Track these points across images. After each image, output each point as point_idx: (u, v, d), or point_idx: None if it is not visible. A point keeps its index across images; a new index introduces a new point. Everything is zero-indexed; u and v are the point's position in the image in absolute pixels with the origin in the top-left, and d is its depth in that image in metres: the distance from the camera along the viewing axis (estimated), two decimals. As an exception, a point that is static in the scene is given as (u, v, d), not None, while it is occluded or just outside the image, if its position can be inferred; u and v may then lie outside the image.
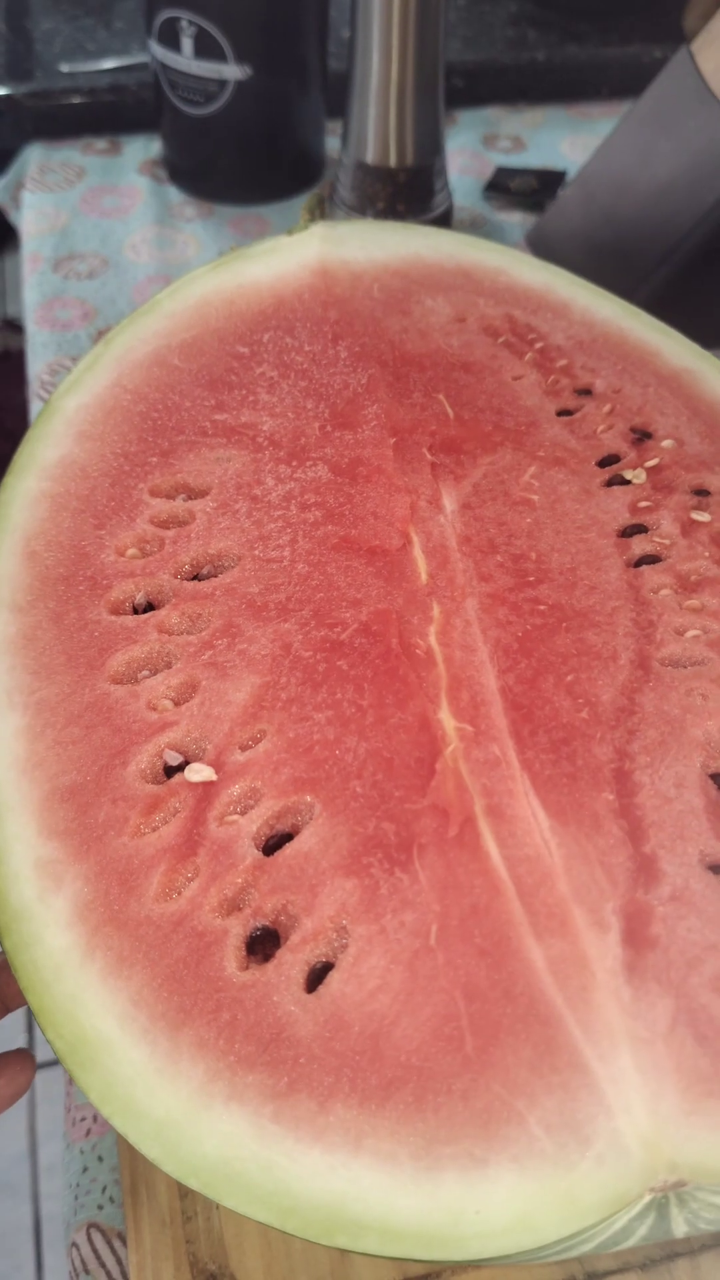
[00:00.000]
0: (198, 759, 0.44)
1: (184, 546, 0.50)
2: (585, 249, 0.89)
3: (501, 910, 0.38)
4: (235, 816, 0.42)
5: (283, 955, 0.39)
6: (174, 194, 1.10)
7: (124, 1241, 0.52)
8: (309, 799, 0.42)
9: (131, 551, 0.51)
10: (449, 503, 0.50)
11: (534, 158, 1.16)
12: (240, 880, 0.41)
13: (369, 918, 0.39)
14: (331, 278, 0.60)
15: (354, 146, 0.92)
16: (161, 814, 0.43)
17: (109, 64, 1.16)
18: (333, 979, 0.38)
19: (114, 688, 0.46)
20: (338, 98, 0.93)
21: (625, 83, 1.24)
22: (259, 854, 0.41)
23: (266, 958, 0.40)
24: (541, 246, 0.96)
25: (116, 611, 0.49)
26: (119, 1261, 0.50)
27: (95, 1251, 0.50)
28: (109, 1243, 0.50)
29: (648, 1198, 0.32)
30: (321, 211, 0.72)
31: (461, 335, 0.59)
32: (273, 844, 0.42)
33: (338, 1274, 0.49)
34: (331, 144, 1.14)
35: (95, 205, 1.08)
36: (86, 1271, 0.49)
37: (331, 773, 0.42)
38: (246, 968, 0.39)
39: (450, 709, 0.43)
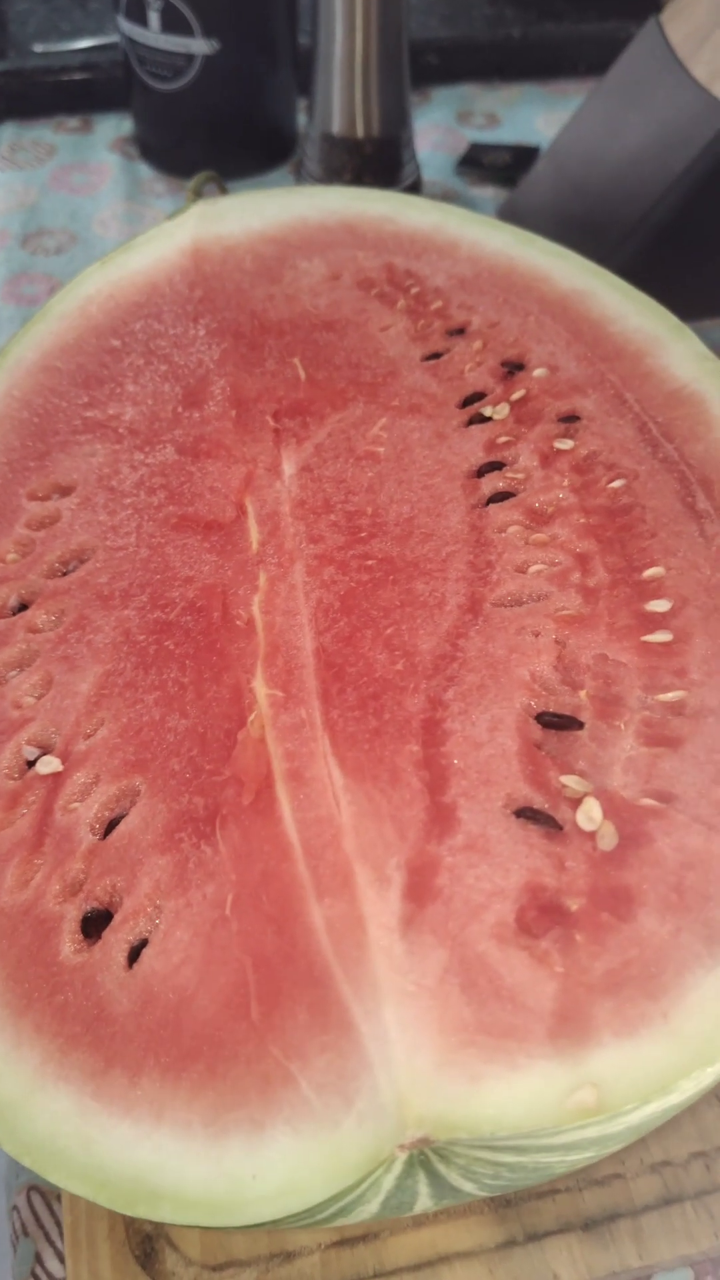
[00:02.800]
0: (50, 751, 0.46)
1: (50, 545, 0.51)
2: (557, 222, 0.88)
3: (288, 874, 0.37)
4: (76, 804, 0.43)
5: (108, 935, 0.40)
6: (144, 171, 1.10)
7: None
8: (138, 780, 0.42)
9: (11, 556, 0.52)
10: (288, 467, 0.49)
11: (508, 134, 1.14)
12: (79, 865, 0.42)
13: (178, 892, 0.39)
14: (202, 256, 0.60)
15: (319, 118, 0.92)
16: (20, 808, 0.45)
17: (83, 44, 1.18)
18: (145, 955, 0.39)
19: (-15, 690, 0.48)
20: (309, 74, 0.92)
21: (601, 59, 1.19)
22: (95, 838, 0.42)
23: (98, 939, 0.41)
24: (513, 220, 0.94)
25: (-4, 616, 0.51)
26: (59, 1224, 0.51)
27: (35, 1214, 0.51)
28: (49, 1205, 0.52)
29: (402, 1155, 0.32)
30: (221, 189, 0.72)
31: (332, 293, 0.58)
32: (110, 827, 0.43)
33: (273, 1235, 0.50)
34: (304, 121, 1.13)
35: (65, 182, 1.10)
36: (26, 1234, 0.51)
37: (156, 752, 0.42)
38: (81, 950, 0.40)
39: (265, 676, 0.43)
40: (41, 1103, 0.38)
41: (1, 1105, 0.39)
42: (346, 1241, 0.49)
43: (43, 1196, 0.52)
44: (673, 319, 0.55)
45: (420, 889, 0.36)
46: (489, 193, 1.06)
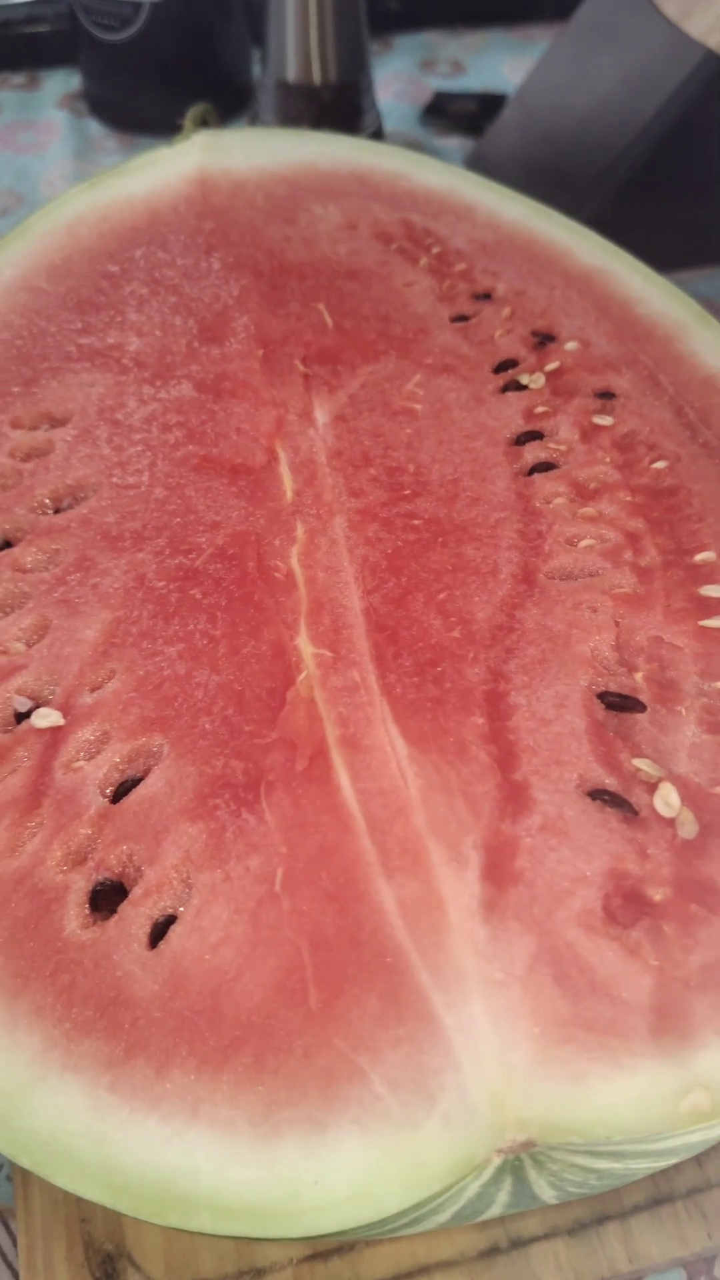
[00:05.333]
0: (47, 703, 0.41)
1: (42, 479, 0.46)
2: (525, 170, 0.85)
3: (351, 849, 0.34)
4: (81, 763, 0.39)
5: (125, 910, 0.36)
6: (94, 128, 1.05)
7: (18, 1220, 0.48)
8: (158, 739, 0.38)
9: (-9, 488, 0.47)
10: (321, 415, 0.46)
11: (474, 81, 1.11)
12: (86, 831, 0.37)
13: (213, 864, 0.35)
14: (210, 187, 0.56)
15: (274, 65, 0.87)
16: (9, 765, 0.40)
17: None
18: (174, 933, 0.35)
19: (-37, 634, 0.43)
20: (262, 20, 0.88)
21: (568, 2, 1.18)
22: (105, 802, 0.38)
23: (111, 914, 0.36)
24: (481, 170, 0.91)
25: (-28, 552, 0.45)
26: (15, 1242, 0.47)
27: None
28: (5, 1224, 0.47)
29: (497, 1160, 0.29)
30: (212, 122, 0.67)
31: (351, 243, 0.54)
32: (123, 790, 0.38)
33: (242, 1251, 0.46)
34: (259, 70, 1.08)
35: (10, 141, 1.03)
36: None
37: (181, 710, 0.38)
38: (90, 925, 0.36)
39: (309, 634, 0.39)
40: (43, 1095, 0.33)
41: (-9, 1097, 0.34)
42: (320, 1255, 0.46)
43: None
44: (695, 306, 0.54)
45: (499, 871, 0.33)
46: (455, 142, 1.03)
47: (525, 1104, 0.29)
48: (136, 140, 1.03)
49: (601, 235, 0.58)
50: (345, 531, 0.42)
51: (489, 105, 1.04)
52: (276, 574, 0.40)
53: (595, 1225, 0.46)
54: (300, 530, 0.42)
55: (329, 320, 0.49)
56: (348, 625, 0.39)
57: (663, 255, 0.67)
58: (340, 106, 0.89)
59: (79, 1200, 0.47)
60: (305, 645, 0.39)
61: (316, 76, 0.86)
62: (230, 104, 1.04)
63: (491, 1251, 0.46)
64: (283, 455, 0.44)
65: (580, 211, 0.76)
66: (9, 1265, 0.46)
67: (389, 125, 1.01)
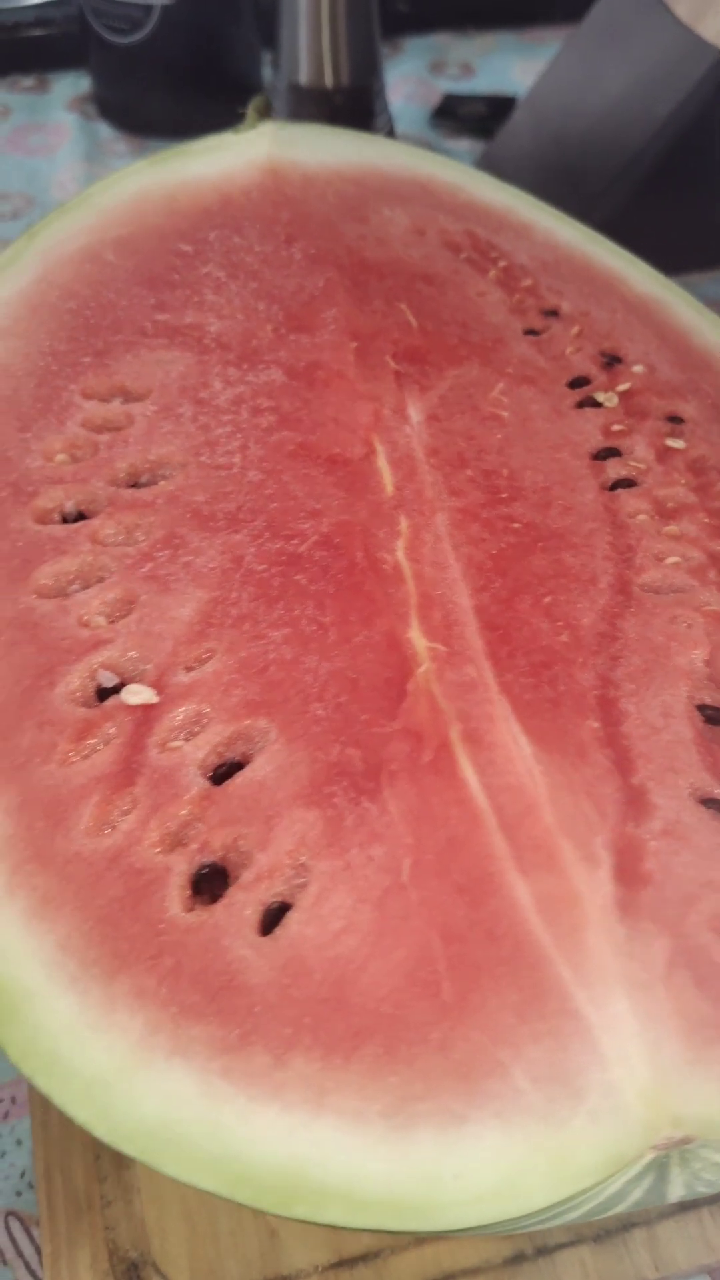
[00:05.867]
0: (136, 680, 0.40)
1: (120, 452, 0.45)
2: (536, 173, 0.84)
3: (482, 843, 0.34)
4: (179, 742, 0.38)
5: (234, 894, 0.35)
6: (104, 130, 1.04)
7: (42, 1226, 0.47)
8: (263, 723, 0.38)
9: (61, 457, 0.46)
10: (414, 413, 0.46)
11: (484, 84, 1.11)
12: (185, 812, 0.36)
13: (332, 852, 0.35)
14: (282, 177, 0.55)
15: (286, 68, 0.87)
16: (95, 740, 0.39)
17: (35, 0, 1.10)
18: (291, 920, 0.34)
19: (40, 602, 0.41)
20: (273, 22, 0.88)
21: (578, 4, 1.18)
22: (206, 783, 0.37)
23: (214, 898, 0.35)
24: (492, 173, 0.92)
25: (43, 521, 0.44)
26: (40, 1251, 0.45)
27: (13, 1241, 0.45)
28: (28, 1231, 0.45)
29: (649, 1157, 0.29)
30: (270, 113, 0.67)
31: (421, 247, 0.55)
32: (221, 773, 0.38)
33: (268, 1258, 0.45)
34: (270, 73, 1.08)
35: (21, 144, 1.02)
36: (4, 1262, 0.44)
37: (289, 695, 0.38)
38: (192, 909, 0.35)
39: (421, 628, 0.39)
40: (148, 1080, 0.32)
41: (91, 1082, 0.33)
42: (345, 1262, 0.45)
43: (21, 1223, 0.45)
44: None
45: (630, 872, 0.33)
46: (465, 145, 1.03)
47: (682, 1102, 0.29)
48: (147, 143, 1.02)
49: (613, 238, 0.59)
50: (448, 529, 0.42)
51: (499, 107, 1.04)
52: (384, 566, 0.40)
53: (621, 1232, 0.47)
54: (404, 524, 0.42)
55: (412, 320, 0.50)
56: (458, 622, 0.39)
57: (675, 257, 0.68)
58: (353, 109, 0.89)
59: (104, 1208, 0.46)
60: (418, 638, 0.39)
61: (329, 79, 0.86)
62: (240, 106, 1.04)
63: (517, 1259, 0.46)
64: (380, 449, 0.44)
65: (592, 214, 0.75)
66: (33, 1274, 0.44)
67: (399, 128, 1.01)
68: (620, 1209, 0.32)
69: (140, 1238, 0.45)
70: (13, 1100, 0.49)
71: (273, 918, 0.34)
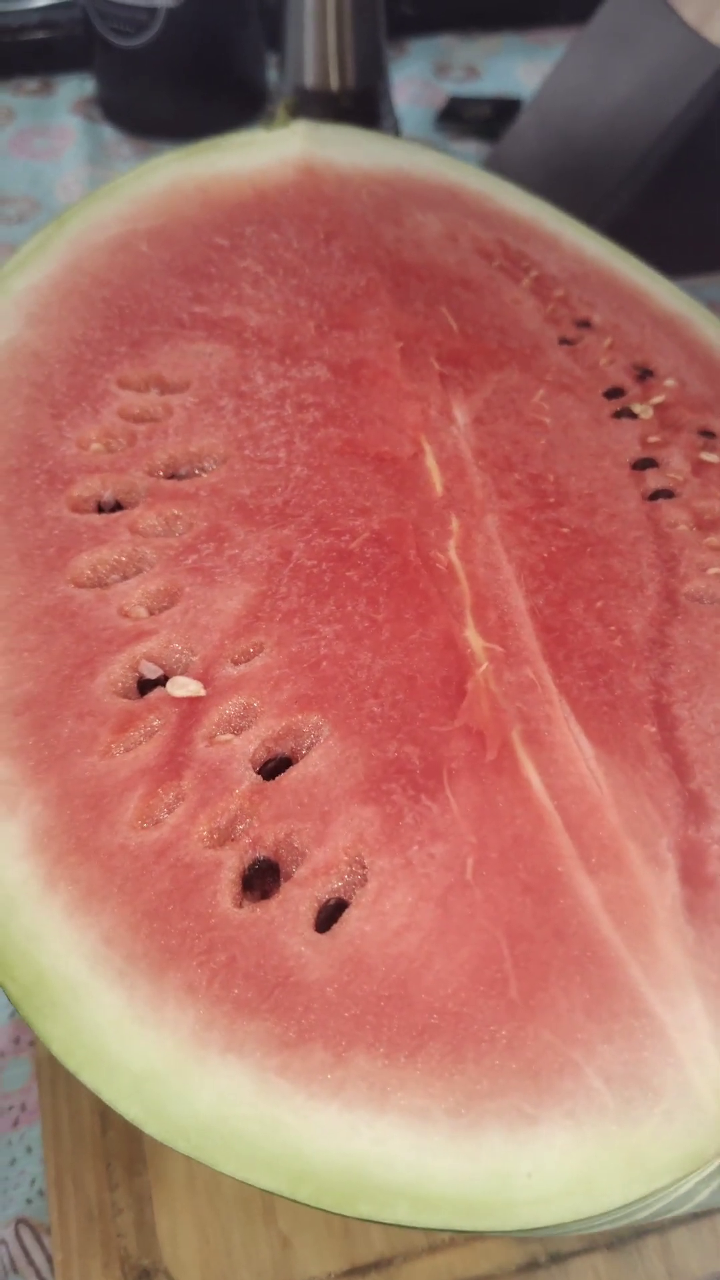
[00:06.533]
0: (180, 672, 0.39)
1: (160, 442, 0.45)
2: (543, 175, 0.84)
3: (548, 843, 0.34)
4: (228, 736, 0.37)
5: (289, 890, 0.34)
6: (108, 133, 1.03)
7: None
8: (316, 719, 0.37)
9: (96, 446, 0.45)
10: (460, 415, 0.46)
11: (489, 86, 1.11)
12: (235, 807, 0.36)
13: (392, 849, 0.34)
14: (319, 176, 0.55)
15: (291, 71, 0.87)
16: (138, 731, 0.38)
17: (41, 1, 1.08)
18: (350, 917, 0.33)
19: (79, 591, 0.41)
20: (279, 25, 0.88)
21: (584, 5, 1.17)
22: (257, 778, 0.36)
23: (265, 894, 0.35)
24: (498, 175, 0.92)
25: (79, 509, 0.43)
26: (50, 1260, 0.44)
27: (25, 1249, 0.44)
28: (39, 1239, 0.44)
29: (725, 1158, 0.29)
30: (298, 114, 0.67)
31: (456, 253, 0.55)
32: (270, 768, 0.37)
33: (280, 1267, 0.44)
34: (275, 76, 1.08)
35: (25, 147, 1.01)
36: (15, 1270, 0.43)
37: (343, 690, 0.37)
38: (243, 905, 0.34)
39: (477, 627, 0.39)
40: (202, 1076, 0.32)
41: (140, 1077, 0.32)
42: (358, 1269, 0.45)
43: (32, 1231, 0.44)
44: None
45: (695, 875, 0.33)
46: (470, 147, 1.03)
47: (759, 1102, 0.29)
48: (152, 146, 1.01)
49: (620, 241, 0.59)
50: (499, 531, 0.42)
51: (504, 110, 1.04)
52: (438, 564, 0.40)
53: (634, 1240, 0.47)
54: (455, 524, 0.42)
55: (453, 324, 0.50)
56: (514, 623, 0.39)
57: (681, 260, 0.67)
58: (359, 112, 0.89)
59: (115, 1216, 0.45)
60: (474, 638, 0.38)
61: (334, 82, 0.86)
62: (244, 108, 1.04)
63: (530, 1266, 0.46)
64: (428, 448, 0.44)
65: (599, 217, 0.76)
66: None
67: (404, 130, 1.01)
68: (687, 1208, 0.32)
69: (152, 1246, 0.44)
70: (23, 1107, 0.48)
71: (329, 915, 0.34)
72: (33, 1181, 0.46)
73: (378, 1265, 0.45)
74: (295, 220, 0.53)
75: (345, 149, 0.58)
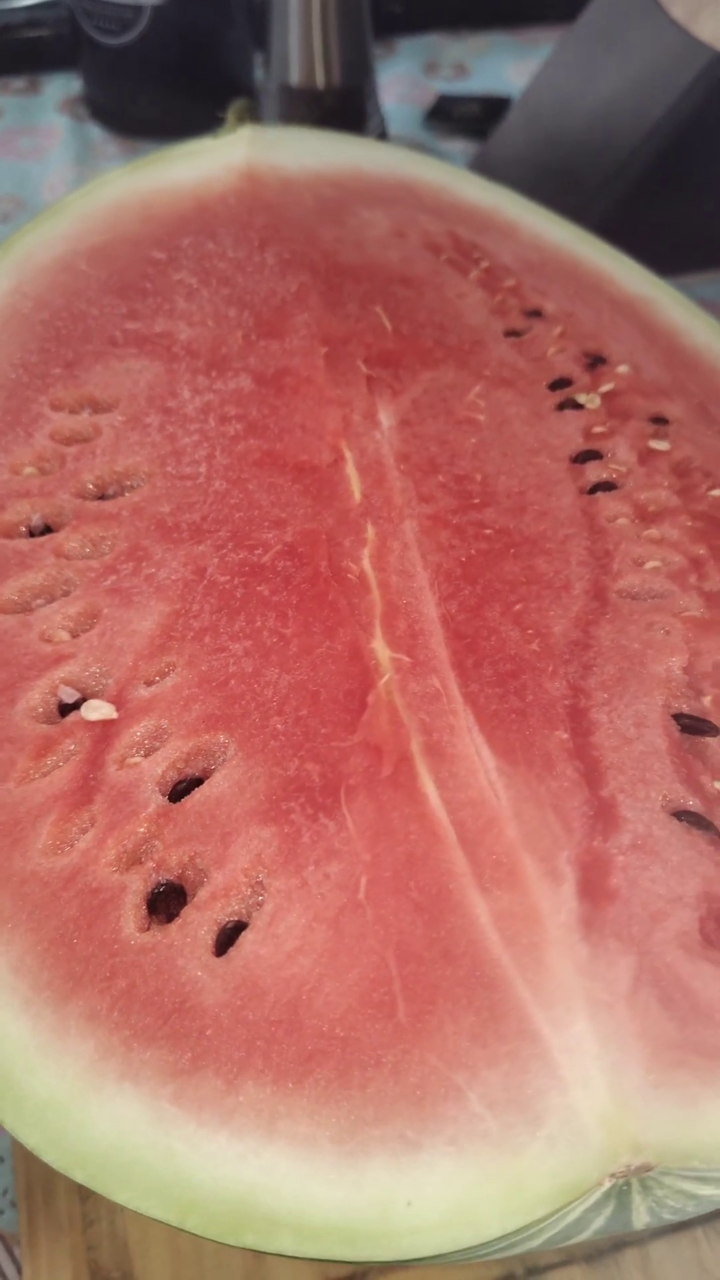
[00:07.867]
0: (97, 695, 0.39)
1: (88, 464, 0.44)
2: (531, 174, 0.83)
3: (441, 859, 0.33)
4: (138, 759, 0.37)
5: (188, 914, 0.34)
6: (95, 133, 1.03)
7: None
8: (222, 738, 0.37)
9: (29, 470, 0.45)
10: (385, 418, 0.45)
11: (478, 84, 1.10)
12: (142, 830, 0.36)
13: (289, 870, 0.34)
14: (259, 182, 0.55)
15: (277, 69, 0.86)
16: (54, 757, 0.38)
17: (26, 0, 1.10)
18: (245, 940, 0.33)
19: (3, 618, 0.41)
20: (264, 23, 0.87)
21: (573, 4, 1.17)
22: (164, 800, 0.36)
23: (170, 917, 0.35)
24: (486, 174, 0.90)
25: (9, 535, 0.44)
26: (20, 1270, 0.45)
27: None
28: (9, 1250, 0.45)
29: (607, 1184, 0.28)
30: (251, 117, 0.66)
31: (401, 250, 0.54)
32: (180, 789, 0.37)
33: (252, 1279, 0.44)
34: (261, 75, 1.08)
35: (11, 147, 1.02)
36: None
37: (249, 709, 0.37)
38: (147, 929, 0.34)
39: (385, 638, 0.38)
40: (99, 1105, 0.32)
41: (42, 1106, 0.32)
42: (332, 1283, 0.45)
43: (3, 1242, 0.44)
44: (736, 342, 0.55)
45: (595, 888, 0.32)
46: (459, 146, 1.02)
47: (643, 1128, 0.28)
48: (138, 144, 1.01)
49: (608, 239, 0.58)
50: (417, 536, 0.41)
51: (493, 108, 1.03)
52: (349, 575, 0.39)
53: (613, 1252, 0.46)
54: (371, 532, 0.41)
55: (387, 324, 0.49)
56: (424, 631, 0.38)
57: (669, 259, 0.66)
58: (344, 110, 0.88)
59: (86, 1228, 0.45)
60: (382, 649, 0.38)
61: (320, 80, 0.85)
62: (222, 110, 1.03)
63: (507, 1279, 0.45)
64: (349, 455, 0.43)
65: (587, 215, 0.74)
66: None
67: (393, 129, 1.00)
68: (582, 1237, 0.31)
69: (123, 1258, 0.45)
70: (-9, 1121, 0.49)
71: (228, 938, 0.33)
72: (4, 1192, 0.47)
73: (351, 1278, 0.45)
74: (232, 228, 0.52)
75: (294, 151, 0.58)
